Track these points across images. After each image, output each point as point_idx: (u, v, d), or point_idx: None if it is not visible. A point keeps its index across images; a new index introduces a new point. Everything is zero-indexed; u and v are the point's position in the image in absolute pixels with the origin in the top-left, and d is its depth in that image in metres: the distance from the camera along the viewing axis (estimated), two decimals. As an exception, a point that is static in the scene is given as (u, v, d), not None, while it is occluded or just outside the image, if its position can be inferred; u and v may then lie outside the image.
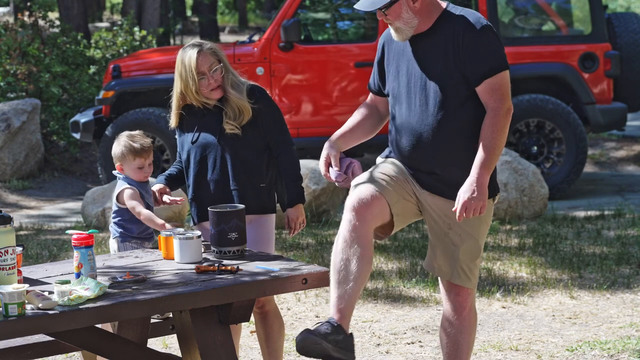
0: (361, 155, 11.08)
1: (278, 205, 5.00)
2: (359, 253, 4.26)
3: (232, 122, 4.77)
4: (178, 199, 4.88)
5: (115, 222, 4.88)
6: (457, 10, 4.40)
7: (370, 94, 4.69)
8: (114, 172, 4.97)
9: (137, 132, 4.99)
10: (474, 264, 4.49)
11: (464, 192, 4.28)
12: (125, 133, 4.95)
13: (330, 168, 4.53)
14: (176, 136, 5.01)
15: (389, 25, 4.43)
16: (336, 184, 4.54)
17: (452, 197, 4.38)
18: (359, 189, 4.37)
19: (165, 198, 4.92)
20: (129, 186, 4.83)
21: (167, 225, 4.70)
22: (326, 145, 4.56)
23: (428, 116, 4.37)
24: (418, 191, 4.48)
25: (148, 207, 4.84)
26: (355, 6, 4.47)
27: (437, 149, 4.38)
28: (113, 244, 4.90)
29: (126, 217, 4.85)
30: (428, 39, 4.38)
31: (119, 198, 4.86)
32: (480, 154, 4.28)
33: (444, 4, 4.43)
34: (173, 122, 4.93)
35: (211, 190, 4.82)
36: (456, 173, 4.39)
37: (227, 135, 4.78)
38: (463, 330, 4.55)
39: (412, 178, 4.47)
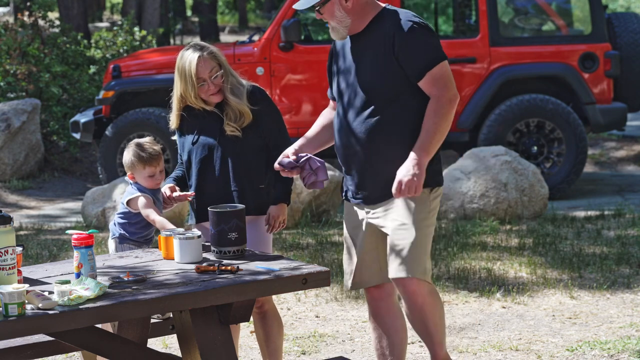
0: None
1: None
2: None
3: (233, 124, 4.77)
4: (188, 193, 4.87)
5: (118, 223, 4.88)
6: (392, 10, 4.47)
7: (330, 100, 4.76)
8: (126, 179, 4.94)
9: (146, 139, 4.96)
10: (414, 250, 4.44)
11: (400, 170, 4.33)
12: (135, 141, 4.91)
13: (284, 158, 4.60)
14: (175, 137, 5.01)
15: (328, 24, 4.52)
16: (294, 176, 4.62)
17: (383, 198, 4.44)
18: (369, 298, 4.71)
19: (175, 194, 4.90)
20: (143, 194, 4.82)
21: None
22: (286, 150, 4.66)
23: (357, 115, 4.46)
24: (366, 217, 4.56)
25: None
26: (294, 6, 4.64)
27: (365, 148, 4.43)
28: (111, 244, 4.90)
29: (132, 221, 4.86)
30: (362, 40, 4.47)
31: (130, 204, 4.84)
32: (420, 137, 4.35)
33: (382, 5, 4.50)
34: (173, 123, 4.92)
35: (212, 191, 4.82)
36: (386, 171, 4.41)
37: (228, 137, 4.78)
38: (424, 318, 4.52)
39: (359, 207, 4.56)
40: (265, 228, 4.87)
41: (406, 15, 4.42)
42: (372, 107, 4.42)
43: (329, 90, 4.73)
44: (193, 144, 4.85)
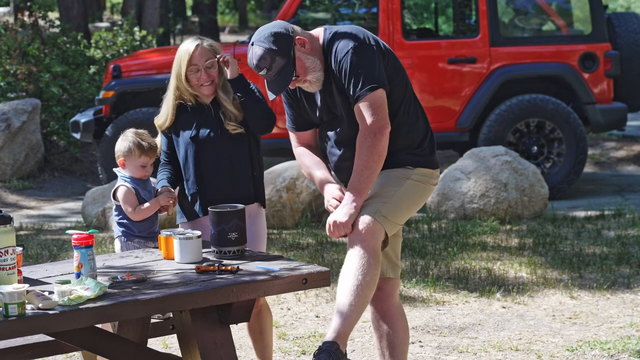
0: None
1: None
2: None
3: (233, 122, 4.81)
4: (171, 196, 4.87)
5: (117, 222, 4.88)
6: (331, 39, 4.41)
7: (296, 135, 4.68)
8: (115, 170, 4.95)
9: (143, 130, 4.98)
10: (379, 197, 4.41)
11: (337, 211, 4.34)
12: (132, 130, 4.94)
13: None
14: (163, 136, 4.98)
15: (302, 86, 4.46)
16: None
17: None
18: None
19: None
20: (124, 184, 4.82)
21: (161, 201, 4.78)
22: (327, 185, 4.53)
23: (343, 138, 4.49)
24: None
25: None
26: (271, 99, 4.47)
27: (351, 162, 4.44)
28: (117, 243, 4.90)
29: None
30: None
31: (114, 195, 4.85)
32: (352, 178, 4.35)
33: (320, 37, 4.46)
34: (168, 121, 4.90)
35: (216, 184, 4.83)
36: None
37: (230, 134, 4.81)
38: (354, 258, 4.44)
39: None
40: (263, 220, 4.95)
41: (344, 42, 4.36)
42: (355, 128, 4.40)
43: (293, 124, 4.64)
44: (192, 138, 4.85)
